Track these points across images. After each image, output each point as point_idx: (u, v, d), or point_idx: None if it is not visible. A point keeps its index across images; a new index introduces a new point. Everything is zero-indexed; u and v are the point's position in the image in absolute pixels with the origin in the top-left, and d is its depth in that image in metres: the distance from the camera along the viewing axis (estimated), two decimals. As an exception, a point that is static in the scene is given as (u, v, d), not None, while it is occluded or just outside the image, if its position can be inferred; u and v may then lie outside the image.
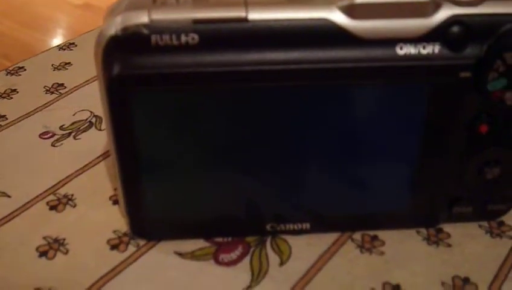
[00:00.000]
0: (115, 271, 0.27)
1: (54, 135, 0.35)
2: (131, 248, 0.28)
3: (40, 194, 0.31)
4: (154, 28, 0.23)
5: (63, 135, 0.35)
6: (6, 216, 0.30)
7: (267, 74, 0.24)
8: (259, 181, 0.27)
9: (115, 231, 0.29)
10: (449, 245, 0.28)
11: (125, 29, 0.23)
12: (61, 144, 0.35)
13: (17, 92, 0.39)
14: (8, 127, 0.36)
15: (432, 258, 0.28)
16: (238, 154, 0.26)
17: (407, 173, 0.28)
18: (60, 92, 0.39)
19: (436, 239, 0.29)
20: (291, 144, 0.26)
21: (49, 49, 0.44)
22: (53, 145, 0.35)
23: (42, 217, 0.30)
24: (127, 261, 0.28)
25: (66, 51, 0.43)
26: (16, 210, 0.30)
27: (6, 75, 0.41)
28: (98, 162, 0.33)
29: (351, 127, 0.26)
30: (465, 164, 0.27)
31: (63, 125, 0.36)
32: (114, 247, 0.28)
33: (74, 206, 0.31)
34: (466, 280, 0.27)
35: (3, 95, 0.39)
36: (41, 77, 0.41)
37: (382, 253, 0.28)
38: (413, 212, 0.29)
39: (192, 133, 0.26)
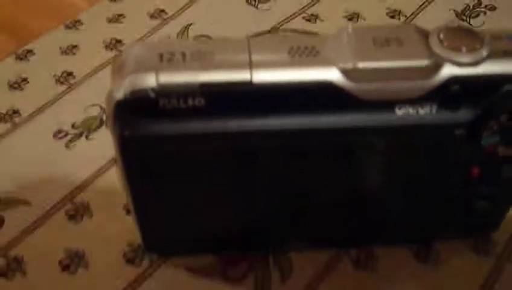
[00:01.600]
0: (131, 287, 0.30)
1: (67, 134, 0.37)
2: (145, 263, 0.31)
3: (58, 202, 0.33)
4: (162, 92, 0.24)
5: (76, 134, 0.37)
6: (29, 226, 0.32)
7: (271, 135, 0.25)
8: (263, 206, 0.29)
9: (129, 244, 0.32)
10: (437, 262, 0.31)
11: (133, 93, 0.24)
12: (75, 145, 0.36)
13: (28, 82, 0.40)
14: (23, 124, 0.38)
15: (421, 276, 0.30)
16: (244, 195, 0.28)
17: (403, 202, 0.29)
18: (69, 82, 0.40)
19: (426, 256, 0.31)
20: (296, 189, 0.28)
21: (56, 28, 0.44)
22: (67, 146, 0.36)
23: (62, 228, 0.32)
24: (142, 276, 0.30)
25: (72, 29, 0.44)
26: (37, 220, 0.33)
27: (16, 59, 0.42)
28: (111, 166, 0.35)
29: (355, 175, 0.28)
30: (458, 199, 0.29)
31: (75, 123, 0.37)
32: (129, 261, 0.31)
33: (91, 216, 0.33)
34: (451, 299, 0.30)
35: (15, 86, 0.40)
36: (50, 63, 0.41)
37: (376, 269, 0.31)
38: (406, 232, 0.31)
39: (200, 178, 0.27)
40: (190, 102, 0.25)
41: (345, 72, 0.25)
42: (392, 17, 0.45)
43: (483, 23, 0.44)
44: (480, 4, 0.46)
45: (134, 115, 0.25)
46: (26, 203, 0.33)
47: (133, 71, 0.25)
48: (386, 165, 0.28)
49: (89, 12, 0.46)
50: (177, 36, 0.43)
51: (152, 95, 0.25)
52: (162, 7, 0.45)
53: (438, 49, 0.25)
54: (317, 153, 0.27)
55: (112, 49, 0.42)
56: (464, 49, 0.25)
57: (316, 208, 0.30)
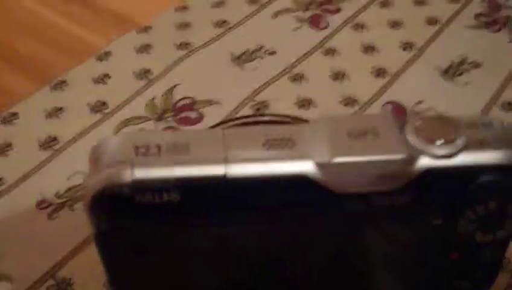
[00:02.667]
0: None
1: (50, 204, 0.37)
2: None
3: (41, 277, 0.33)
4: (137, 187, 0.24)
5: (59, 204, 0.37)
6: (11, 306, 0.32)
7: (245, 228, 0.25)
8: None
9: (110, 321, 0.31)
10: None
11: (108, 189, 0.24)
12: (57, 216, 0.36)
13: (12, 148, 0.40)
14: (7, 193, 0.37)
15: None
16: (218, 281, 0.28)
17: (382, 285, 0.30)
18: (53, 149, 0.40)
19: (409, 334, 0.31)
20: (276, 276, 0.28)
21: (40, 89, 0.44)
22: (50, 217, 0.36)
23: (44, 307, 0.32)
24: None
25: (58, 91, 0.44)
26: (18, 297, 0.33)
27: (1, 124, 0.42)
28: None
29: (333, 261, 0.28)
30: (437, 278, 0.29)
31: (58, 192, 0.37)
32: None
33: (72, 292, 0.33)
34: None
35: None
36: (35, 127, 0.41)
37: None
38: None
39: (175, 272, 0.27)
40: (165, 197, 0.25)
41: (320, 166, 0.25)
42: (378, 75, 0.45)
43: (466, 83, 0.45)
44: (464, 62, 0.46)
45: (110, 209, 0.25)
46: (8, 278, 0.33)
47: (108, 165, 0.25)
48: (366, 259, 0.28)
49: (75, 72, 0.46)
50: (162, 96, 0.43)
51: (127, 190, 0.25)
52: (148, 67, 0.46)
53: (414, 140, 0.25)
54: (292, 244, 0.27)
55: (96, 112, 0.42)
56: (439, 141, 0.25)
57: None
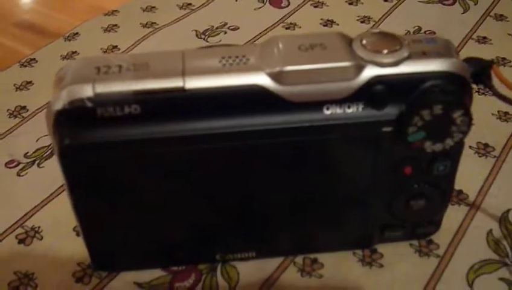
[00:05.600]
0: (80, 304, 0.30)
1: (19, 163, 0.37)
2: (95, 280, 0.31)
3: (10, 227, 0.34)
4: (99, 101, 0.25)
5: (28, 163, 0.38)
6: (-21, 252, 0.33)
7: (204, 138, 0.26)
8: (207, 217, 0.30)
9: (79, 263, 0.32)
10: (381, 265, 0.32)
11: (71, 103, 0.25)
12: (27, 173, 0.37)
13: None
14: (-24, 156, 0.38)
15: (365, 280, 0.31)
16: (186, 200, 0.29)
17: (344, 206, 0.30)
18: (23, 116, 0.41)
19: (370, 260, 0.32)
20: (238, 197, 0.29)
21: (11, 66, 0.45)
22: (19, 174, 0.37)
23: (12, 251, 0.33)
24: (91, 293, 0.31)
25: (27, 67, 0.45)
26: (-13, 245, 0.33)
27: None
28: (62, 191, 0.35)
29: (288, 176, 0.29)
30: (394, 199, 0.30)
31: (27, 153, 0.38)
32: (79, 279, 0.31)
33: (41, 239, 0.33)
34: (394, 300, 0.30)
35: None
36: (5, 99, 0.43)
37: (321, 276, 0.31)
38: (350, 237, 0.32)
39: (141, 186, 0.28)
40: (126, 109, 0.26)
41: (272, 75, 0.26)
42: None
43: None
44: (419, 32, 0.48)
45: (73, 124, 0.26)
46: (-23, 230, 0.34)
47: (71, 83, 0.26)
48: (323, 169, 0.29)
49: (43, 50, 0.47)
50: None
51: (89, 104, 0.26)
52: (115, 43, 0.47)
53: (360, 52, 0.27)
54: (252, 157, 0.28)
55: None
56: (385, 51, 0.27)
57: (259, 217, 0.31)
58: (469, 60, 0.29)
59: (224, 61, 0.27)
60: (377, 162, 0.29)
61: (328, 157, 0.28)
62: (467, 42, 0.47)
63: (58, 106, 0.26)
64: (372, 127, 0.27)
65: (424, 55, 0.27)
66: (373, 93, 0.26)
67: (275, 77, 0.26)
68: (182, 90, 0.26)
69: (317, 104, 0.26)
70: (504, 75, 0.29)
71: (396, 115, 0.27)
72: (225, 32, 0.48)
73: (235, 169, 0.28)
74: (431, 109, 0.27)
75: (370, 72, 0.26)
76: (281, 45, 0.27)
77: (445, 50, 0.28)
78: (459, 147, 0.29)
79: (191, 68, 0.26)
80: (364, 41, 0.27)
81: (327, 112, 0.27)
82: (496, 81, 0.30)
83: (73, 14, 0.52)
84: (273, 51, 0.27)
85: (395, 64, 0.26)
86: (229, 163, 0.28)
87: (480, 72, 0.29)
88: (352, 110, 0.27)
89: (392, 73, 0.26)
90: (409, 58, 0.27)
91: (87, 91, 0.26)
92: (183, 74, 0.26)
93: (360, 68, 0.26)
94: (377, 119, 0.27)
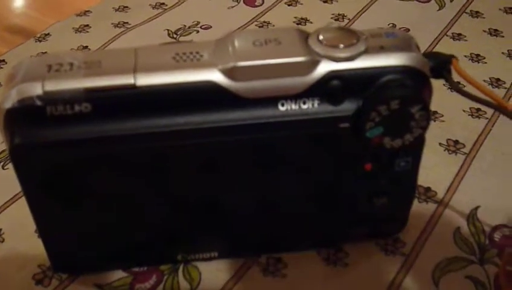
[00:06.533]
0: (39, 307, 0.30)
1: (-18, 165, 0.37)
2: (55, 282, 0.31)
3: (-30, 230, 0.33)
4: (48, 99, 0.25)
5: (-8, 164, 0.37)
6: None
7: (157, 137, 0.26)
8: (167, 217, 0.30)
9: (39, 265, 0.31)
10: (346, 264, 0.31)
11: (20, 102, 0.25)
12: (-11, 174, 0.37)
13: None
14: None
15: (329, 280, 0.31)
16: (144, 200, 0.29)
17: (307, 205, 0.30)
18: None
19: (335, 259, 0.31)
20: (194, 191, 0.29)
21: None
22: (-18, 176, 0.36)
23: (-28, 254, 0.32)
24: (50, 296, 0.30)
25: None
26: None
27: None
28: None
29: (246, 175, 0.28)
30: (357, 196, 0.30)
31: (-8, 154, 0.38)
32: (39, 282, 0.31)
33: (2, 241, 0.33)
34: (358, 300, 0.30)
35: None
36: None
37: (284, 276, 0.31)
38: (314, 236, 0.32)
39: (97, 186, 0.28)
40: (77, 108, 0.25)
41: (225, 71, 0.26)
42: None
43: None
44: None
45: (23, 123, 0.25)
46: None
47: (21, 81, 0.26)
48: (282, 167, 0.28)
49: (12, 52, 0.47)
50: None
51: (38, 102, 0.25)
52: (85, 44, 0.47)
53: (316, 47, 0.26)
54: (209, 156, 0.27)
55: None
56: (341, 45, 0.26)
57: (220, 216, 0.30)
58: (429, 55, 0.28)
59: (177, 57, 0.26)
60: (337, 159, 0.28)
61: (286, 154, 0.28)
62: (441, 39, 0.47)
63: (8, 104, 0.25)
64: (329, 123, 0.27)
65: (381, 49, 0.27)
66: (329, 88, 0.26)
67: (228, 73, 0.25)
68: (133, 87, 0.25)
69: (272, 100, 0.26)
70: (465, 70, 0.28)
71: (353, 111, 0.26)
72: (197, 32, 0.47)
73: (191, 168, 0.28)
74: (388, 104, 0.26)
75: (325, 67, 0.26)
76: (235, 41, 0.26)
77: (404, 44, 0.27)
78: (420, 142, 0.28)
79: (143, 65, 0.26)
80: (320, 37, 0.27)
81: (282, 108, 0.26)
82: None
83: (63, 18, 0.51)
84: (227, 46, 0.26)
85: (351, 58, 0.26)
86: (185, 162, 0.27)
87: (441, 66, 0.29)
88: (308, 106, 0.26)
89: (348, 68, 0.26)
90: (365, 52, 0.26)
91: (36, 89, 0.25)
92: (135, 70, 0.25)
93: (315, 63, 0.26)
94: (333, 115, 0.26)
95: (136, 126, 0.26)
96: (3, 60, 0.45)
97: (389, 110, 0.26)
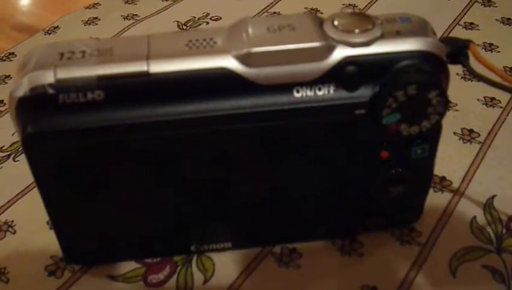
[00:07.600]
0: (52, 298, 0.30)
1: (-6, 157, 0.37)
2: (67, 273, 0.30)
3: (-18, 221, 0.33)
4: (61, 87, 0.25)
5: (3, 157, 0.37)
6: (-50, 246, 0.32)
7: (171, 124, 0.25)
8: (180, 207, 0.29)
9: (52, 257, 0.31)
10: (361, 255, 0.31)
11: (32, 90, 0.25)
12: (1, 167, 0.36)
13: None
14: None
15: (344, 269, 0.30)
16: (158, 190, 0.28)
17: (321, 194, 0.30)
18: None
19: (350, 249, 0.31)
20: (208, 180, 0.28)
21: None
22: (-6, 168, 0.36)
23: (-16, 245, 0.32)
24: (63, 287, 0.30)
25: (5, 62, 0.44)
26: (-40, 240, 0.32)
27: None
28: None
29: (261, 163, 0.28)
30: (373, 185, 0.29)
31: (3, 146, 0.38)
32: (51, 273, 0.30)
33: (14, 233, 0.32)
34: (373, 289, 0.29)
35: None
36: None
37: (299, 266, 0.30)
38: (329, 226, 0.31)
39: (111, 176, 0.27)
40: (89, 95, 0.25)
41: (239, 58, 0.25)
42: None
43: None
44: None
45: (36, 111, 0.25)
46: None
47: (33, 69, 0.25)
48: (297, 155, 0.28)
49: (22, 45, 0.46)
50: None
51: (51, 90, 0.25)
52: (95, 36, 0.46)
53: (331, 32, 0.26)
54: (223, 144, 0.27)
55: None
56: (356, 30, 0.26)
57: (234, 206, 0.30)
58: (446, 40, 0.28)
59: (191, 44, 0.26)
60: (352, 147, 0.28)
61: (301, 142, 0.27)
62: (453, 28, 0.47)
63: (20, 93, 0.25)
64: (345, 110, 0.26)
65: (397, 34, 0.26)
66: (345, 74, 0.26)
67: (242, 59, 0.25)
68: (146, 74, 0.25)
69: (287, 87, 0.26)
70: (482, 56, 0.28)
71: (369, 97, 0.26)
72: (207, 23, 0.47)
73: (205, 156, 0.27)
74: (405, 89, 0.26)
75: (341, 52, 0.25)
76: (249, 27, 0.26)
77: (420, 29, 0.27)
78: (436, 129, 0.28)
79: (156, 52, 0.26)
80: (335, 22, 0.26)
81: (297, 95, 0.26)
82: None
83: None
84: (241, 33, 0.26)
85: (367, 44, 0.26)
86: (199, 150, 0.27)
87: (458, 51, 0.28)
88: (324, 92, 0.26)
89: (364, 53, 0.26)
90: (381, 37, 0.26)
91: (48, 77, 0.25)
92: (148, 57, 0.25)
93: (330, 49, 0.25)
94: (349, 101, 0.26)
95: (149, 114, 0.25)
96: (13, 53, 0.45)
97: (406, 95, 0.26)
